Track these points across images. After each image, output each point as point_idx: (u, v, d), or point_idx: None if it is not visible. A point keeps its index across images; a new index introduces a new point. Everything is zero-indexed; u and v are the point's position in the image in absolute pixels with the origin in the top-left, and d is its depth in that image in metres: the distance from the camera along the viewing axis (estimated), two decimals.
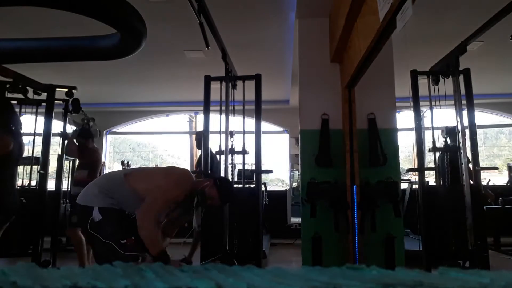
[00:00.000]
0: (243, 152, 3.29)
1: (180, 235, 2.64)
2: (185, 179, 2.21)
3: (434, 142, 3.17)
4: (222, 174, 3.22)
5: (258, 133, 3.18)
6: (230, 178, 3.14)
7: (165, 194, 2.08)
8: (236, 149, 3.27)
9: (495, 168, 7.05)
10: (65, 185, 4.78)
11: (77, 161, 4.08)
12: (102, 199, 2.10)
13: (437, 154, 3.26)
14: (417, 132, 3.11)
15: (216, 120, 3.29)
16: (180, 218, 2.37)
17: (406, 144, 7.48)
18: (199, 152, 3.79)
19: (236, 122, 3.32)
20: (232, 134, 3.26)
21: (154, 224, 2.04)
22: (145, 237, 2.01)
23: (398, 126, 3.42)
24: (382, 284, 0.38)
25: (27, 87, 3.72)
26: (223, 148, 3.23)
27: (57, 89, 3.90)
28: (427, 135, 3.44)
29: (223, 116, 3.26)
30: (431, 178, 3.94)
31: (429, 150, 3.21)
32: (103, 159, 7.70)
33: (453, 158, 3.13)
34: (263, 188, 5.27)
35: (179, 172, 2.30)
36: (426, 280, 0.39)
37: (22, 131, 2.41)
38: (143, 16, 2.86)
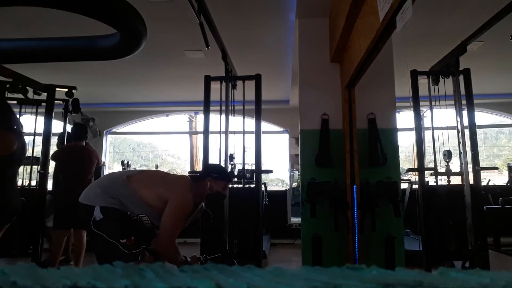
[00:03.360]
0: (243, 176, 3.27)
1: (181, 235, 2.64)
2: (186, 188, 2.18)
3: (436, 170, 3.17)
4: None
5: (258, 133, 3.18)
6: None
7: (176, 216, 2.11)
8: (235, 174, 3.29)
9: (495, 168, 7.04)
10: None
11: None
12: (104, 199, 2.10)
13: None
14: (417, 132, 3.11)
15: (216, 120, 3.29)
16: (185, 219, 2.38)
17: (406, 144, 7.49)
18: (199, 152, 3.78)
19: (236, 122, 3.33)
20: (232, 157, 3.26)
21: (174, 246, 2.11)
22: (167, 257, 2.09)
23: (398, 126, 3.42)
24: (382, 284, 0.38)
25: (27, 87, 3.72)
26: (223, 149, 3.23)
27: (57, 89, 3.90)
28: (427, 135, 3.43)
29: (223, 116, 3.26)
30: None
31: (431, 175, 3.19)
32: (103, 159, 7.71)
33: None
34: (263, 188, 5.27)
35: (179, 182, 2.23)
36: (426, 280, 0.39)
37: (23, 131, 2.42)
38: (143, 16, 2.86)
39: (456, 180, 3.34)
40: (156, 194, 2.13)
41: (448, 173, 3.14)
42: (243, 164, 3.42)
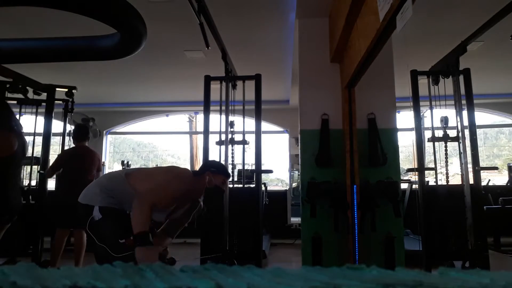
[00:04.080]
0: (243, 142, 3.29)
1: (181, 235, 2.65)
2: (185, 175, 2.24)
3: (433, 135, 3.19)
4: None
5: (258, 133, 3.18)
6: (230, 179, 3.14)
7: (164, 186, 2.10)
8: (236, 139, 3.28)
9: (495, 168, 7.06)
10: None
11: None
12: (103, 199, 2.10)
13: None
14: (417, 132, 3.12)
15: (216, 120, 3.29)
16: (182, 219, 2.38)
17: (406, 144, 7.49)
18: (199, 152, 3.78)
19: (236, 122, 3.33)
20: (232, 124, 3.26)
21: (147, 206, 1.98)
22: (133, 215, 1.97)
23: (398, 126, 3.42)
24: (382, 284, 0.38)
25: (27, 87, 3.72)
26: (223, 148, 3.23)
27: (57, 89, 3.90)
28: (427, 135, 3.44)
29: (223, 116, 3.26)
30: None
31: (428, 140, 3.23)
32: (103, 159, 7.71)
33: None
34: (263, 188, 5.27)
35: (179, 169, 2.34)
36: (426, 280, 0.39)
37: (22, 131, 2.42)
38: (143, 16, 2.86)
39: (456, 180, 3.34)
40: (153, 184, 2.14)
41: (446, 138, 3.20)
42: (243, 164, 3.42)
